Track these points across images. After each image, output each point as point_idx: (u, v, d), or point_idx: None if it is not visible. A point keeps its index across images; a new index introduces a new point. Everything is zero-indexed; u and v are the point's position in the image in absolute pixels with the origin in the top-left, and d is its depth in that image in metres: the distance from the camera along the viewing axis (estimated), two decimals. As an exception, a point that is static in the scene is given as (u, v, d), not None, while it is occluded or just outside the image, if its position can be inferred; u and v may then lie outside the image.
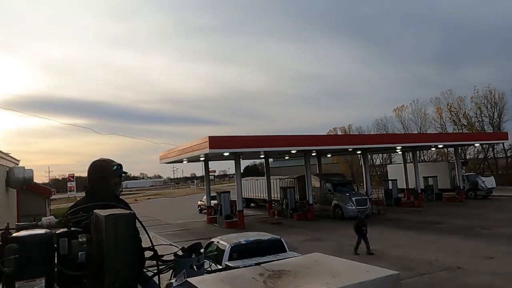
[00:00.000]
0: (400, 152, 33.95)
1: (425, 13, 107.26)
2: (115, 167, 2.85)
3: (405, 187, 31.70)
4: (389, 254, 13.23)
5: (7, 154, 11.09)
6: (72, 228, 2.02)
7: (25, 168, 11.24)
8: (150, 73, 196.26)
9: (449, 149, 42.50)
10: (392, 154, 49.25)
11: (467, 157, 46.81)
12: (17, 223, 2.04)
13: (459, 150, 36.20)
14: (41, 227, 1.99)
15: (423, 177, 31.39)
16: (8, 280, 1.69)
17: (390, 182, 30.90)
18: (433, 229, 17.99)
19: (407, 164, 33.28)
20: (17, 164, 11.92)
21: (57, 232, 1.93)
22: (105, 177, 2.82)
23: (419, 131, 53.31)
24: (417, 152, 33.88)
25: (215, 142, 20.96)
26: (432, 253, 12.80)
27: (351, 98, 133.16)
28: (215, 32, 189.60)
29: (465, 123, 49.53)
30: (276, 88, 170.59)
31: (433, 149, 43.59)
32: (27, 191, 15.53)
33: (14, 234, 1.79)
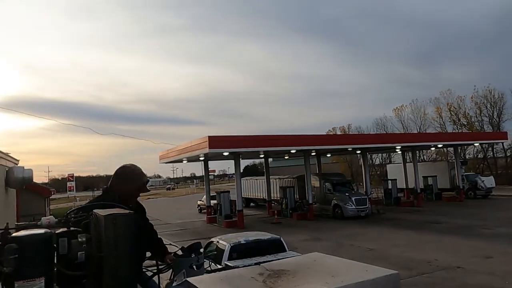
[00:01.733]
0: (400, 152, 33.95)
1: (395, 14, 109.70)
2: (148, 180, 3.04)
3: (404, 187, 31.70)
4: (389, 254, 13.23)
5: (6, 154, 11.08)
6: (72, 228, 2.02)
7: (25, 168, 11.24)
8: (124, 74, 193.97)
9: (448, 148, 42.52)
10: (392, 153, 49.26)
11: (467, 156, 46.85)
12: (16, 223, 2.04)
13: (459, 150, 36.21)
14: (40, 227, 1.99)
15: (423, 176, 31.39)
16: (7, 280, 1.69)
17: (389, 181, 30.89)
18: (432, 228, 17.99)
19: (406, 163, 33.29)
20: (17, 164, 11.91)
21: (56, 232, 1.93)
22: (134, 180, 2.87)
23: (418, 130, 53.35)
24: (417, 151, 33.87)
25: (215, 141, 20.95)
26: (432, 253, 12.81)
27: (337, 98, 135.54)
28: (182, 31, 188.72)
29: (465, 123, 49.55)
30: (258, 88, 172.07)
31: (433, 148, 43.61)
32: (27, 191, 15.53)
33: (13, 234, 1.79)
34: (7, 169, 10.62)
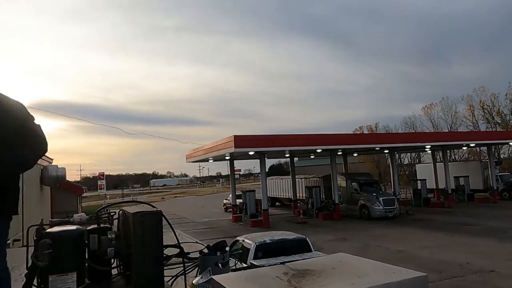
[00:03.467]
0: (430, 151, 33.04)
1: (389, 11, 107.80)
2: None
3: (434, 187, 30.82)
4: (417, 256, 12.90)
5: (41, 153, 11.54)
6: (102, 225, 2.08)
7: (58, 166, 11.67)
8: (125, 75, 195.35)
9: (481, 148, 41.02)
10: (421, 153, 47.99)
11: (501, 156, 45.06)
12: (50, 219, 2.12)
13: (493, 149, 34.84)
14: (72, 223, 2.06)
15: (454, 177, 30.42)
16: (42, 273, 1.77)
17: (419, 182, 30.10)
18: (464, 230, 17.40)
19: (436, 163, 32.35)
20: (51, 163, 12.38)
21: (87, 228, 2.00)
22: None
23: (449, 129, 51.75)
24: (448, 151, 32.87)
25: (240, 141, 21.05)
26: (463, 256, 12.40)
27: (343, 97, 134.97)
28: (175, 32, 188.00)
29: (499, 121, 47.66)
30: (261, 88, 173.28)
31: (465, 148, 42.09)
32: (60, 189, 16.11)
33: (47, 230, 1.87)
34: (41, 168, 11.06)
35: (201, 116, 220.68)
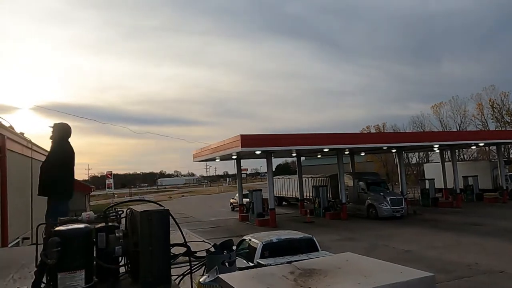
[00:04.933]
0: (438, 151, 32.77)
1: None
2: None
3: (443, 187, 30.57)
4: (425, 256, 12.82)
5: (50, 152, 11.66)
6: (110, 223, 2.10)
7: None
8: (114, 76, 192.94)
9: (491, 147, 40.58)
10: (429, 152, 47.61)
11: (511, 156, 44.51)
12: (59, 218, 2.14)
13: (502, 149, 34.44)
14: (81, 222, 2.08)
15: (463, 176, 30.14)
16: (51, 271, 1.79)
17: (427, 181, 29.88)
18: (473, 230, 17.24)
19: (445, 163, 32.08)
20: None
21: (95, 227, 2.01)
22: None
23: (458, 128, 51.27)
24: (456, 150, 32.55)
25: (247, 140, 21.07)
26: (472, 256, 12.29)
27: (336, 96, 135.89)
28: (158, 33, 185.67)
29: (509, 120, 47.10)
30: (253, 88, 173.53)
31: (474, 147, 41.71)
32: (69, 187, 16.24)
33: (56, 228, 1.89)
34: (50, 167, 11.19)
35: (195, 116, 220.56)
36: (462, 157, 48.64)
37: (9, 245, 6.33)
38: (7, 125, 6.93)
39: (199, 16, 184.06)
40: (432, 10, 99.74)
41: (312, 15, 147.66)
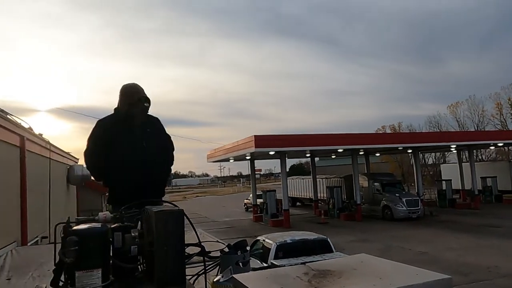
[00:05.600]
0: (455, 151, 32.18)
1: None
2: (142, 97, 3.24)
3: (460, 188, 30.01)
4: (442, 258, 12.60)
5: (68, 153, 11.89)
6: (125, 223, 2.13)
7: (84, 166, 12.02)
8: (118, 78, 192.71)
9: (510, 147, 39.63)
10: (446, 153, 46.78)
11: (532, 156, 43.43)
12: (77, 217, 2.18)
13: (522, 149, 33.63)
14: (98, 221, 2.12)
15: (481, 177, 29.53)
16: (69, 269, 1.82)
17: (444, 182, 29.39)
18: (492, 232, 16.87)
19: (462, 163, 31.47)
20: (77, 163, 12.73)
21: (112, 226, 2.04)
22: (128, 97, 3.29)
23: (476, 128, 50.26)
24: (474, 151, 31.92)
25: (261, 141, 21.07)
26: (491, 258, 12.02)
27: (343, 97, 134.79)
28: (157, 34, 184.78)
29: (529, 119, 45.96)
30: (259, 88, 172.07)
31: (492, 147, 40.82)
32: (85, 187, 16.51)
33: (74, 227, 1.92)
34: (68, 167, 11.40)
35: (203, 118, 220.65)
36: (480, 157, 47.66)
37: (29, 244, 6.48)
38: (26, 126, 7.09)
39: (198, 18, 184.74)
40: (434, 8, 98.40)
41: (311, 15, 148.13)
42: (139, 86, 3.24)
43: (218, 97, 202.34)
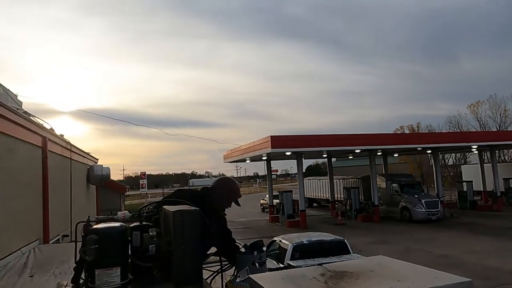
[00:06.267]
0: (476, 152, 31.42)
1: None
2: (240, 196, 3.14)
3: (482, 190, 29.28)
4: (463, 261, 12.31)
5: (88, 154, 12.14)
6: (144, 222, 2.16)
7: (103, 166, 12.24)
8: (129, 80, 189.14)
9: (534, 148, 38.47)
10: (467, 153, 45.72)
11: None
12: (96, 217, 2.23)
13: (547, 149, 32.58)
14: (117, 220, 2.15)
15: (504, 178, 28.73)
16: (89, 267, 1.86)
17: (464, 183, 28.71)
18: (515, 235, 16.40)
19: (484, 164, 30.69)
20: (96, 163, 12.98)
21: (130, 225, 2.08)
22: (232, 195, 3.07)
23: (498, 128, 48.94)
24: (496, 151, 31.08)
25: (277, 141, 21.03)
26: (514, 262, 11.68)
27: (350, 97, 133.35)
28: (163, 36, 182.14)
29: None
30: (269, 89, 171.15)
31: (515, 148, 39.73)
32: (105, 187, 16.81)
33: (94, 226, 1.96)
34: (88, 167, 11.63)
35: (213, 119, 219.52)
36: (502, 158, 46.41)
37: (50, 242, 6.63)
38: (48, 127, 7.26)
39: (200, 20, 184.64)
40: (439, 6, 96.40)
41: (314, 15, 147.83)
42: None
43: (229, 98, 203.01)
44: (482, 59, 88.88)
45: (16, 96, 8.77)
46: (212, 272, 2.54)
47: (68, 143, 8.74)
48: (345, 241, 9.82)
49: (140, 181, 55.92)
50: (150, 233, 2.03)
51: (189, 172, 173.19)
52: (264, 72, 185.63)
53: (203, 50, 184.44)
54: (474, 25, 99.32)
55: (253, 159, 28.89)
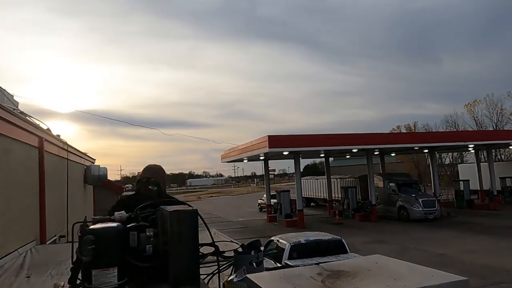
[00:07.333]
0: (473, 151, 31.56)
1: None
2: None
3: (478, 189, 29.41)
4: (459, 260, 12.36)
5: (85, 154, 12.10)
6: (141, 223, 2.16)
7: (100, 166, 12.21)
8: (115, 81, 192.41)
9: (530, 147, 38.58)
10: (464, 153, 45.90)
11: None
12: (93, 217, 2.22)
13: (543, 149, 32.75)
14: (113, 221, 2.15)
15: (500, 177, 28.87)
16: (86, 268, 1.86)
17: (461, 182, 28.83)
18: (511, 234, 16.48)
19: (480, 163, 30.83)
20: (93, 163, 12.94)
21: (127, 226, 2.07)
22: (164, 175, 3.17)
23: (494, 127, 49.17)
24: (493, 150, 31.21)
25: (275, 141, 21.04)
26: (510, 261, 11.74)
27: (334, 97, 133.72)
28: (143, 37, 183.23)
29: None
30: (254, 90, 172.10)
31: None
32: (102, 187, 16.77)
33: (91, 227, 1.96)
34: (85, 168, 11.60)
35: (202, 119, 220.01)
36: (499, 157, 46.62)
37: (47, 243, 6.61)
38: (44, 128, 7.24)
39: (178, 21, 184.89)
40: (422, 4, 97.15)
41: (292, 18, 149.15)
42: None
43: (217, 99, 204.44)
44: (462, 59, 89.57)
45: (12, 96, 8.73)
46: (209, 272, 2.54)
47: (65, 143, 8.71)
48: (343, 240, 9.85)
49: (138, 181, 55.73)
50: (147, 233, 2.03)
51: (186, 172, 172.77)
52: (248, 73, 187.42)
53: (185, 51, 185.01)
54: (453, 24, 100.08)
55: (251, 159, 28.89)
